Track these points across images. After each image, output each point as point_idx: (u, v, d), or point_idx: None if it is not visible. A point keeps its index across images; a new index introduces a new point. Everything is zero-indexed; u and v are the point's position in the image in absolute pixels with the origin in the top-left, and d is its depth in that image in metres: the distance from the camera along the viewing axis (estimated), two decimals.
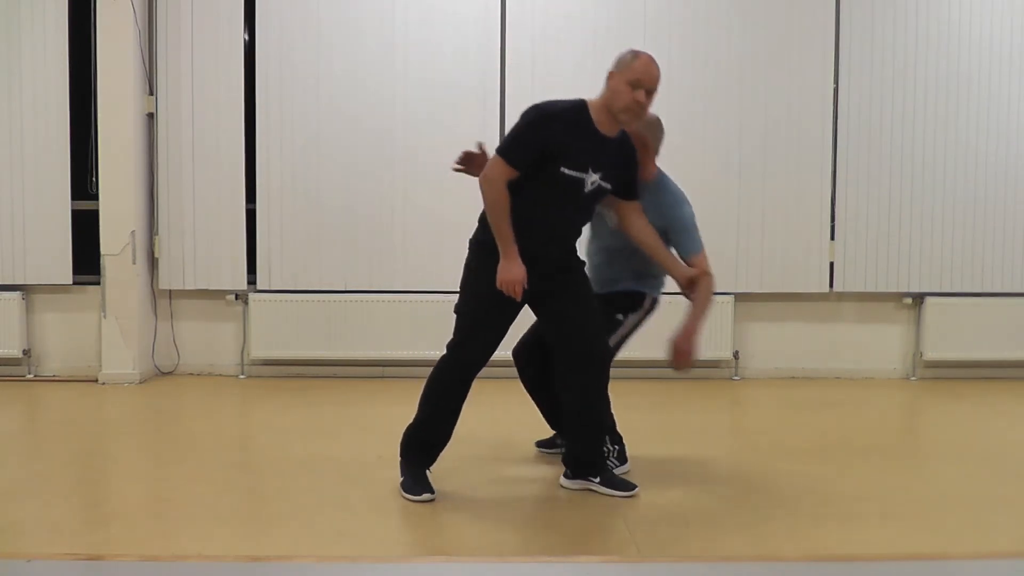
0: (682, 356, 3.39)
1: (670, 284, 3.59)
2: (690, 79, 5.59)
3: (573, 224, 3.35)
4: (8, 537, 2.89)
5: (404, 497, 3.28)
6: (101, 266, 5.45)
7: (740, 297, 5.69)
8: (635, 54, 3.13)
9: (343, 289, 5.62)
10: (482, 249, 3.24)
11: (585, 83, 5.52)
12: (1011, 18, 5.65)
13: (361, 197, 5.59)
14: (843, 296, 5.79)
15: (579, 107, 3.17)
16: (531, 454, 3.94)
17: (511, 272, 3.13)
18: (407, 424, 3.37)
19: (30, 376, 5.64)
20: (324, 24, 5.55)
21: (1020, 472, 3.78)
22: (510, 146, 3.14)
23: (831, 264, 5.70)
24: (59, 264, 5.58)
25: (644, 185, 3.50)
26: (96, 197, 5.51)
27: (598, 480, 3.38)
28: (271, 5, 5.54)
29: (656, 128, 3.51)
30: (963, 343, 5.72)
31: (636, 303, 3.62)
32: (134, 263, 5.47)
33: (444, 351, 3.33)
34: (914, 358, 5.82)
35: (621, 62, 3.14)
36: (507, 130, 5.55)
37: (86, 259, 5.58)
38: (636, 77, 3.07)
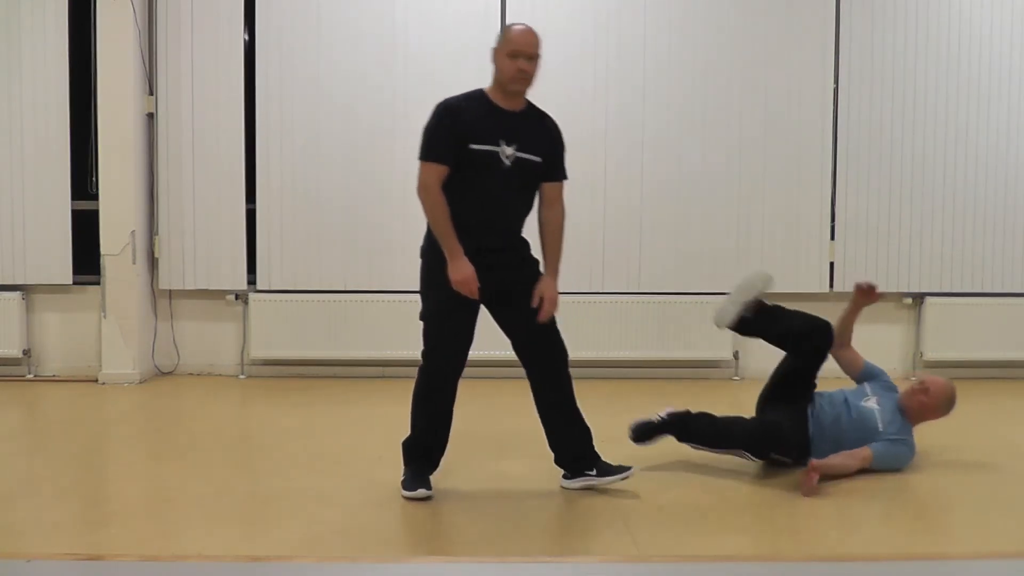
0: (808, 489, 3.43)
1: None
2: (690, 79, 5.60)
3: (508, 205, 3.33)
4: (8, 537, 2.89)
5: (403, 495, 3.29)
6: (101, 266, 5.45)
7: None
8: (510, 26, 3.33)
9: (343, 289, 5.61)
10: (433, 256, 3.28)
11: (586, 82, 5.60)
12: (1011, 18, 5.65)
13: (361, 197, 5.59)
14: (843, 296, 5.76)
15: (476, 93, 3.32)
16: (531, 454, 3.94)
17: (462, 272, 3.19)
18: (406, 433, 3.40)
19: (30, 376, 5.64)
20: (324, 24, 5.55)
21: (1020, 472, 3.78)
22: (428, 146, 3.22)
23: (831, 264, 5.70)
24: (59, 264, 5.58)
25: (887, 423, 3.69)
26: (96, 197, 5.51)
27: (594, 472, 3.41)
28: (271, 5, 5.54)
29: (949, 400, 3.77)
30: (963, 343, 5.72)
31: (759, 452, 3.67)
32: (134, 263, 5.47)
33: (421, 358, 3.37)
34: (914, 358, 5.82)
35: (499, 38, 3.30)
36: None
37: (86, 259, 5.58)
38: (513, 48, 3.23)
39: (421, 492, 3.27)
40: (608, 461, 3.46)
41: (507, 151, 3.23)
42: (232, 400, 5.19)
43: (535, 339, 3.39)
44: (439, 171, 3.19)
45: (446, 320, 3.30)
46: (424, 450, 3.37)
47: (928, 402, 3.74)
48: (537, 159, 3.29)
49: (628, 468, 3.42)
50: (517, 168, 3.26)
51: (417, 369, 3.38)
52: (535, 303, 3.33)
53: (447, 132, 3.19)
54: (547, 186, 3.38)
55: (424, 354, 3.36)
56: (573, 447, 3.45)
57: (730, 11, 5.59)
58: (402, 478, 3.36)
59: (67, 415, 4.76)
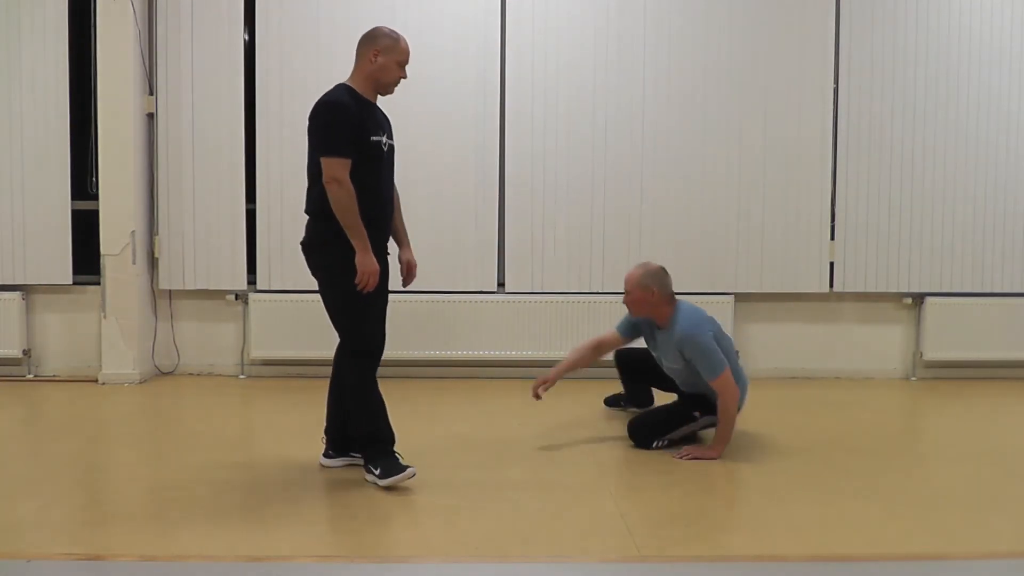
0: (696, 458, 3.86)
1: None
2: (690, 79, 5.60)
3: (391, 192, 3.58)
4: (8, 537, 2.89)
5: (390, 485, 3.37)
6: (101, 266, 5.45)
7: (740, 297, 5.70)
8: (396, 37, 3.49)
9: None
10: (339, 246, 3.34)
11: (586, 81, 5.60)
12: (1012, 17, 5.65)
13: None
14: (843, 296, 5.80)
15: (348, 88, 3.45)
16: (530, 454, 3.94)
17: (371, 264, 3.34)
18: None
19: (30, 376, 5.64)
20: (324, 24, 5.55)
21: (1020, 472, 3.78)
22: (331, 142, 3.32)
23: (831, 264, 5.70)
24: (59, 264, 5.58)
25: (662, 329, 3.99)
26: (96, 197, 5.51)
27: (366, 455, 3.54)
28: (271, 5, 5.54)
29: (662, 276, 3.95)
30: (963, 343, 5.72)
31: (710, 408, 3.97)
32: (134, 263, 5.47)
33: (350, 357, 3.51)
34: (914, 358, 5.82)
35: (385, 44, 3.45)
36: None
37: (86, 259, 5.58)
38: (403, 58, 3.49)
39: (409, 471, 3.42)
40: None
41: (385, 141, 3.49)
42: (232, 400, 5.19)
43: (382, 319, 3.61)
44: (347, 164, 3.31)
45: (368, 308, 3.44)
46: (388, 438, 3.49)
47: (634, 298, 3.93)
48: (393, 144, 3.58)
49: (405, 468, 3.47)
50: (390, 156, 3.53)
51: (348, 366, 3.51)
52: (404, 273, 3.70)
53: (346, 126, 3.32)
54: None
55: (358, 343, 3.47)
56: (352, 430, 3.60)
57: (730, 11, 5.59)
58: (376, 471, 3.43)
59: (67, 415, 4.76)
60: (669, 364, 4.05)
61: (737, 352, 4.24)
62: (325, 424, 3.74)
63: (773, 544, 2.89)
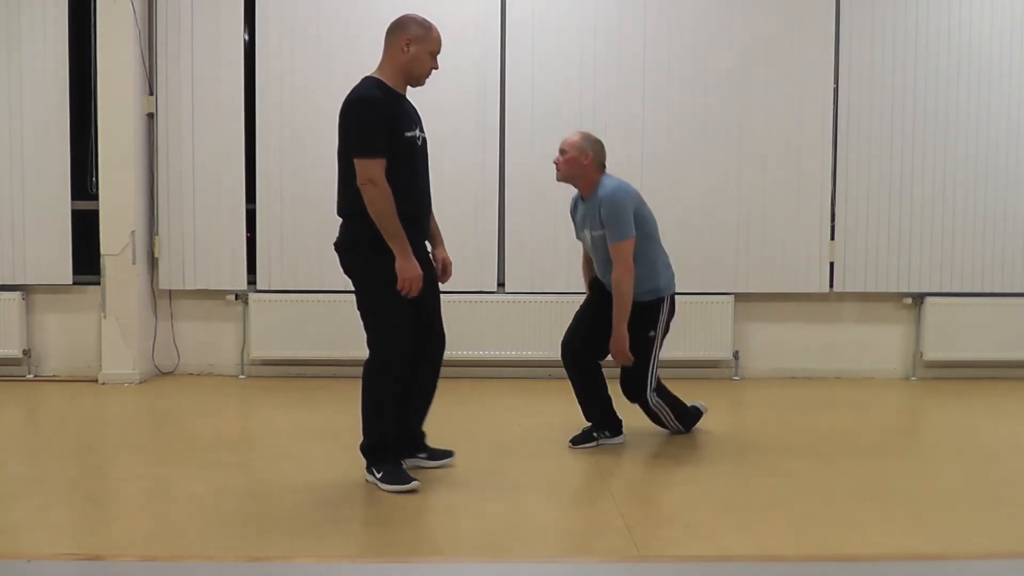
0: (617, 355, 3.85)
1: None
2: (690, 79, 5.60)
3: (427, 188, 3.50)
4: (8, 537, 2.89)
5: (391, 490, 3.32)
6: (101, 266, 5.45)
7: (740, 297, 5.69)
8: (428, 25, 3.38)
9: (343, 289, 5.57)
10: (375, 248, 3.26)
11: (587, 80, 5.60)
12: (1012, 17, 5.65)
13: None
14: (843, 296, 5.79)
15: (377, 82, 3.32)
16: (530, 454, 3.94)
17: (413, 270, 3.25)
18: (363, 443, 3.43)
19: (30, 376, 5.64)
20: (324, 24, 5.55)
21: (1020, 472, 3.78)
22: (365, 142, 3.22)
23: (831, 264, 5.70)
24: (59, 264, 5.58)
25: (585, 201, 3.93)
26: (96, 197, 5.51)
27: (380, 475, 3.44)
28: (271, 5, 5.54)
29: (599, 145, 3.92)
30: (963, 343, 5.72)
31: (655, 311, 3.91)
32: (134, 263, 5.47)
33: (371, 361, 3.37)
34: (914, 358, 5.82)
35: (417, 33, 3.35)
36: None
37: (86, 259, 5.58)
38: (436, 48, 3.40)
39: (414, 484, 3.33)
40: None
41: (419, 134, 3.39)
42: (232, 400, 5.19)
43: (432, 321, 3.50)
44: (383, 164, 3.21)
45: (403, 312, 3.31)
46: (394, 448, 3.43)
47: (568, 157, 3.86)
48: (426, 137, 3.45)
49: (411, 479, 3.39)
50: (423, 150, 3.42)
51: (370, 368, 3.35)
52: (440, 271, 3.56)
53: (379, 124, 3.22)
54: None
55: (383, 349, 3.33)
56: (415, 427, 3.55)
57: (730, 12, 5.59)
58: (379, 475, 3.37)
59: (67, 415, 4.76)
60: (593, 238, 3.91)
61: (669, 262, 4.08)
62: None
63: (773, 544, 2.89)
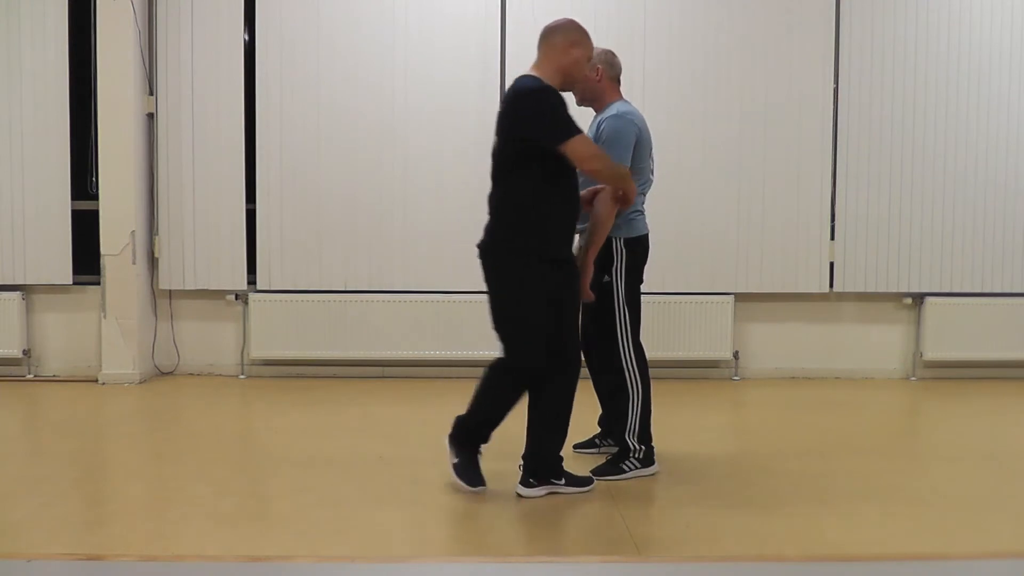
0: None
1: None
2: (690, 78, 5.60)
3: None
4: (8, 537, 2.89)
5: (461, 485, 3.34)
6: (101, 266, 5.45)
7: (740, 297, 5.69)
8: (585, 31, 3.33)
9: (343, 289, 5.62)
10: (532, 256, 3.16)
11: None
12: (1012, 17, 5.65)
13: (361, 197, 5.59)
14: (843, 296, 5.79)
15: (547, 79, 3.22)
16: None
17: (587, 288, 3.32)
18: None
19: (30, 376, 5.64)
20: (324, 24, 5.55)
21: (1020, 472, 3.78)
22: (566, 124, 3.06)
23: (831, 264, 5.70)
24: (59, 264, 5.58)
25: (595, 118, 3.69)
26: (96, 197, 5.51)
27: (563, 481, 3.38)
28: (271, 5, 5.54)
29: (613, 56, 3.73)
30: (963, 343, 5.72)
31: (607, 254, 3.56)
32: (134, 263, 5.47)
33: (503, 370, 3.35)
34: (914, 358, 5.82)
35: (577, 38, 3.30)
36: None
37: (86, 259, 5.58)
38: (592, 55, 3.38)
39: (480, 488, 3.35)
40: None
41: None
42: (232, 400, 5.19)
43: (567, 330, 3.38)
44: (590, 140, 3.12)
45: (541, 322, 3.22)
46: (480, 432, 3.42)
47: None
48: None
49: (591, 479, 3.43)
50: None
51: (504, 375, 3.35)
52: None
53: (568, 114, 3.07)
54: None
55: (516, 357, 3.29)
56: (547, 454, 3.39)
57: (730, 12, 5.59)
58: (456, 460, 3.37)
59: (67, 415, 4.76)
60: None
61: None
62: (525, 450, 3.41)
63: (773, 544, 2.89)
